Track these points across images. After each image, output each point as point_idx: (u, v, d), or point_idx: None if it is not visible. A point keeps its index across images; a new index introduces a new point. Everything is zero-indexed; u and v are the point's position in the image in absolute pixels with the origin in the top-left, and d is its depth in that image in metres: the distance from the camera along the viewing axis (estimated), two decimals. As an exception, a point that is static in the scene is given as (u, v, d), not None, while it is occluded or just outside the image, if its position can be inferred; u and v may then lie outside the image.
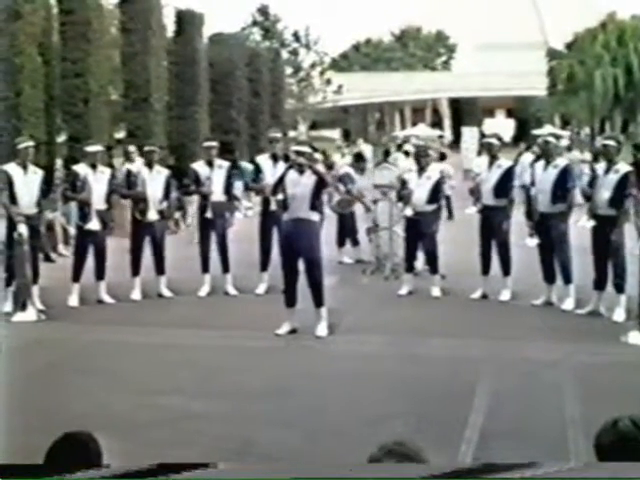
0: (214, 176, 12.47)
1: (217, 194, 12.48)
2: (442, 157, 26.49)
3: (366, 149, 32.76)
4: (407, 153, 25.28)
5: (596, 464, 3.08)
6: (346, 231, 15.45)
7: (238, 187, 13.38)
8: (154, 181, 12.32)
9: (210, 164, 12.56)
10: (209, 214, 12.40)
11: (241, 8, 66.73)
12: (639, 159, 18.23)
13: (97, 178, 11.90)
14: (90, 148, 12.24)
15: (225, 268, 12.52)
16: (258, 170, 12.55)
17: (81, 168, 12.02)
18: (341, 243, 15.48)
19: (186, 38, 28.79)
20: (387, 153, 26.52)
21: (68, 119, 22.24)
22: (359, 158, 17.04)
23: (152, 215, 12.21)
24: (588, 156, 25.70)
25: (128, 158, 17.60)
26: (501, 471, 2.72)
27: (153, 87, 25.25)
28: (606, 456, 3.10)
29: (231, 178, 12.82)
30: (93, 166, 11.95)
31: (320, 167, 11.40)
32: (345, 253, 15.35)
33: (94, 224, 11.71)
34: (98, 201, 11.84)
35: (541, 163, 11.67)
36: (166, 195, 12.53)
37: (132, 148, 18.12)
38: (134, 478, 2.77)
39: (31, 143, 11.92)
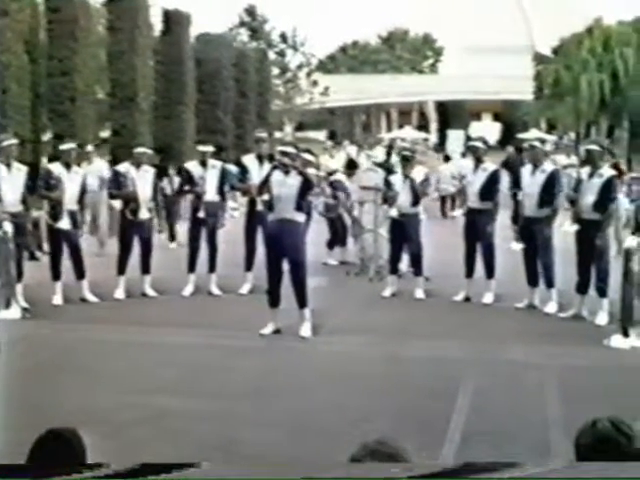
0: (207, 176, 12.49)
1: (210, 194, 12.50)
2: (447, 159, 26.52)
3: (352, 150, 32.81)
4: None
5: (578, 464, 3.11)
6: (337, 234, 15.43)
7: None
8: (142, 180, 12.31)
9: (204, 164, 12.59)
10: (202, 214, 12.41)
11: (228, 8, 66.66)
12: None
13: (71, 178, 11.89)
14: (64, 146, 12.23)
15: (211, 268, 12.52)
16: (244, 170, 12.57)
17: (55, 167, 12.00)
18: (331, 246, 15.46)
19: (173, 38, 28.81)
20: (389, 154, 26.49)
21: (54, 117, 22.24)
22: (351, 165, 17.09)
23: (143, 214, 12.22)
24: (575, 160, 25.80)
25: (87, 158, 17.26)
26: (486, 471, 2.74)
27: (139, 86, 25.27)
28: (585, 456, 3.14)
29: (224, 178, 12.83)
30: (67, 165, 11.93)
31: (311, 169, 11.43)
32: (330, 254, 15.36)
33: (64, 223, 11.67)
34: (70, 201, 11.82)
35: (528, 167, 11.71)
36: (154, 193, 12.54)
37: (90, 148, 17.80)
38: (121, 478, 2.78)
39: (15, 141, 11.88)
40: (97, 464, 2.95)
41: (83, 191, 12.12)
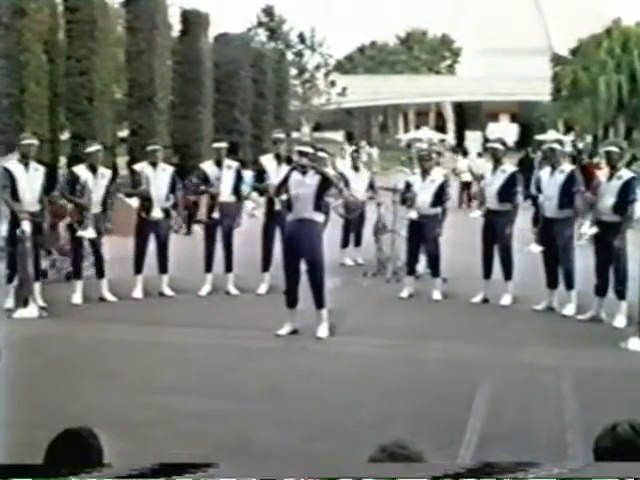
0: (223, 176, 12.46)
1: (225, 194, 12.48)
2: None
3: (372, 151, 32.62)
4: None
5: (597, 464, 3.08)
6: (349, 232, 15.37)
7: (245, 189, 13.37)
8: (158, 179, 12.29)
9: (219, 164, 12.56)
10: (216, 214, 12.40)
11: (247, 9, 66.81)
12: (579, 159, 18.84)
13: (97, 182, 11.81)
14: (90, 148, 12.11)
15: (228, 267, 12.52)
16: (262, 170, 12.56)
17: (81, 170, 11.91)
18: (345, 244, 15.43)
19: (191, 38, 28.82)
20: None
21: (72, 117, 22.28)
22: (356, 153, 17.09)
23: (157, 213, 12.21)
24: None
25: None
26: (502, 471, 2.72)
27: (157, 86, 25.29)
28: (605, 459, 3.10)
29: (240, 179, 12.81)
30: (93, 168, 11.87)
31: (328, 169, 11.39)
32: (346, 254, 15.31)
33: (89, 232, 11.65)
34: (95, 204, 11.79)
35: (547, 169, 11.68)
36: (172, 192, 12.48)
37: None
38: (137, 478, 2.76)
39: (34, 140, 11.87)
40: (114, 464, 2.94)
41: (108, 193, 12.05)
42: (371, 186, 15.30)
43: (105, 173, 12.09)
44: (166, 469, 2.79)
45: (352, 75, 70.52)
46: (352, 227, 15.34)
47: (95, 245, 11.91)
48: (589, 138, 51.38)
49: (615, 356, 9.44)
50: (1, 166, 11.51)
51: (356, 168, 15.80)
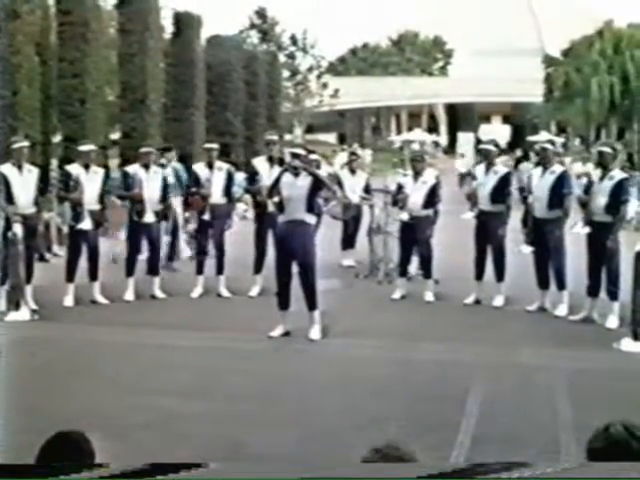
0: (214, 178, 12.46)
1: (216, 196, 12.47)
2: (526, 158, 26.50)
3: (365, 154, 32.69)
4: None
5: (589, 464, 3.08)
6: (348, 233, 15.35)
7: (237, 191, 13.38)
8: (151, 182, 12.30)
9: (210, 166, 12.56)
10: (207, 216, 12.39)
11: (239, 11, 66.78)
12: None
13: (90, 178, 11.85)
14: (83, 147, 12.22)
15: (219, 270, 12.51)
16: (255, 172, 12.55)
17: (74, 168, 11.99)
18: (344, 247, 15.40)
19: (184, 40, 28.78)
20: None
21: (64, 119, 22.22)
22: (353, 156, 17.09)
23: (149, 217, 12.20)
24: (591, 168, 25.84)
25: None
26: (496, 471, 2.72)
27: (150, 88, 25.26)
28: (598, 460, 3.11)
29: (231, 181, 12.80)
30: (86, 166, 11.92)
31: (322, 170, 11.38)
32: (344, 255, 15.29)
33: (86, 224, 11.67)
34: (91, 201, 11.81)
35: (538, 169, 11.70)
36: (164, 196, 12.50)
37: None
38: (127, 478, 2.76)
39: (26, 143, 11.88)
40: (105, 464, 2.93)
41: (104, 191, 12.08)
42: (367, 189, 15.28)
43: (98, 170, 12.11)
44: (159, 468, 2.79)
45: (344, 77, 70.50)
46: (349, 229, 15.34)
47: (91, 245, 11.89)
48: (577, 141, 51.42)
49: (608, 357, 9.45)
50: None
51: (352, 170, 15.78)
